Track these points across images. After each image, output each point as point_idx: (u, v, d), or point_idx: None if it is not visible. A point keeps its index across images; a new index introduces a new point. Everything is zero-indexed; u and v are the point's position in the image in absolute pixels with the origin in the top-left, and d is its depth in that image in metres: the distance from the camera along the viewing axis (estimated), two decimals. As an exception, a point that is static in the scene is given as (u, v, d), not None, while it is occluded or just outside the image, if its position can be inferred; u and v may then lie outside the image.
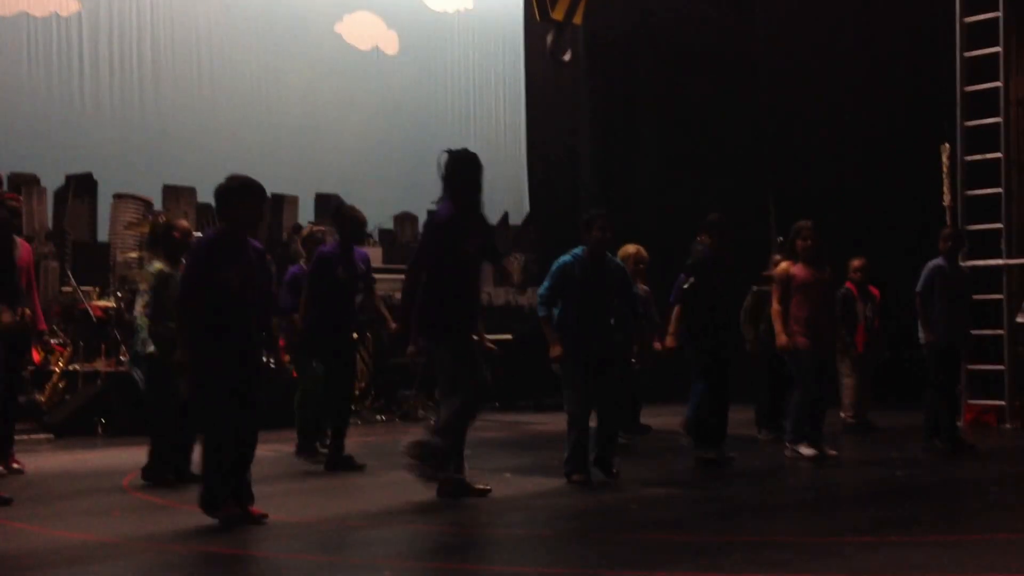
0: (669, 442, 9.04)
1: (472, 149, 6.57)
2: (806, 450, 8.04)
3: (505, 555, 5.17)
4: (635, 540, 5.34)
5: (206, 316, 5.52)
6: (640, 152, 15.13)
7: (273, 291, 6.89)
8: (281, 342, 11.04)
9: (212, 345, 5.50)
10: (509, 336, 12.75)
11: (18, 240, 7.64)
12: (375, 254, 13.91)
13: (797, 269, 8.12)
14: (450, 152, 6.45)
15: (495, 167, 16.11)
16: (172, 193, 13.88)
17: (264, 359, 6.12)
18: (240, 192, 5.64)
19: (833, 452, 8.15)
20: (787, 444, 8.20)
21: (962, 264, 9.04)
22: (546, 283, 7.16)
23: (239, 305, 5.55)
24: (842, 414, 10.06)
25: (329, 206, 8.07)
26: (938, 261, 8.59)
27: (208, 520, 5.49)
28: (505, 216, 16.13)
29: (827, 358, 8.38)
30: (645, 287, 9.09)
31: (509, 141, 16.73)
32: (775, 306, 8.15)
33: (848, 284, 10.03)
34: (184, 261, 6.38)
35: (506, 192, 16.03)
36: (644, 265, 9.00)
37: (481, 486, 6.42)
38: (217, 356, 5.49)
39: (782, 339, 8.05)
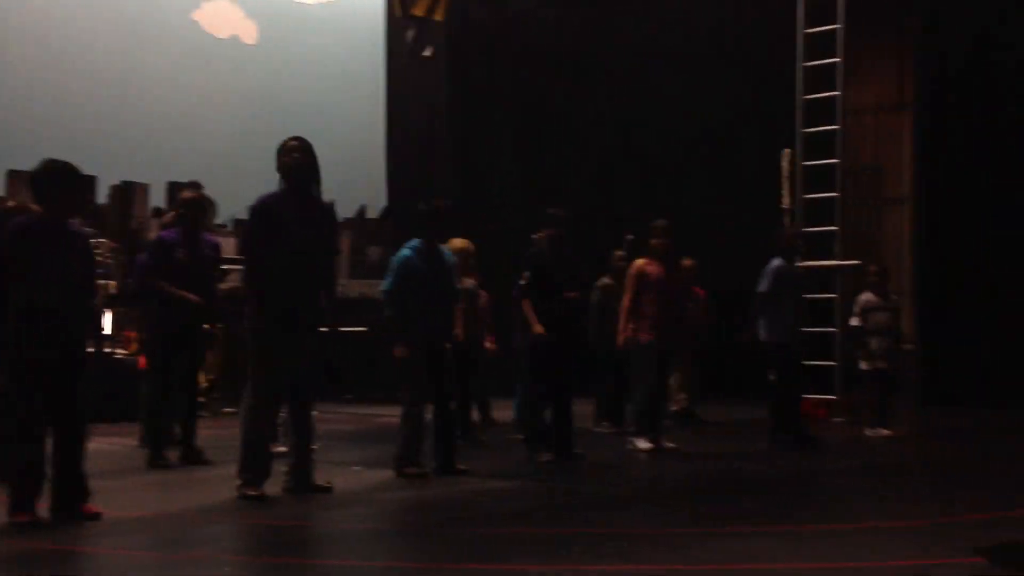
0: (511, 435, 9.16)
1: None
2: (644, 444, 8.29)
3: (347, 549, 5.20)
4: (479, 533, 5.42)
5: (21, 302, 5.39)
6: (498, 147, 15.30)
7: (128, 278, 6.74)
8: (130, 333, 10.91)
9: (28, 333, 5.38)
10: (364, 328, 12.76)
11: None
12: (229, 244, 13.74)
13: (652, 267, 8.35)
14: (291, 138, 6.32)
15: (353, 160, 16.14)
16: (18, 178, 13.44)
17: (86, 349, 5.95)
18: (56, 176, 5.51)
19: (672, 445, 8.41)
20: (628, 438, 8.44)
21: (797, 264, 9.45)
22: (389, 279, 7.17)
23: (56, 292, 5.42)
24: (673, 407, 10.31)
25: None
26: (779, 262, 8.92)
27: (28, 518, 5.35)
28: (362, 209, 16.11)
29: (669, 354, 8.65)
30: (472, 281, 9.11)
31: (368, 135, 16.68)
32: (625, 302, 8.36)
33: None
34: None
35: (364, 185, 15.99)
36: (472, 259, 9.00)
37: (323, 483, 6.41)
38: (32, 344, 5.36)
39: (626, 334, 8.27)
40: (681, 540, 5.19)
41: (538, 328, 7.76)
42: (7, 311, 5.37)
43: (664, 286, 8.35)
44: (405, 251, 7.20)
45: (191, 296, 7.57)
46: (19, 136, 13.23)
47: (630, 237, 9.72)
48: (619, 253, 9.96)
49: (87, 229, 5.75)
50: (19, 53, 13.54)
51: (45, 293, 5.39)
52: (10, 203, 7.39)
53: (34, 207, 7.17)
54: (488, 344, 9.17)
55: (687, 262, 10.34)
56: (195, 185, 9.00)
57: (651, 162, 13.72)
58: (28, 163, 13.48)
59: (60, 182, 5.50)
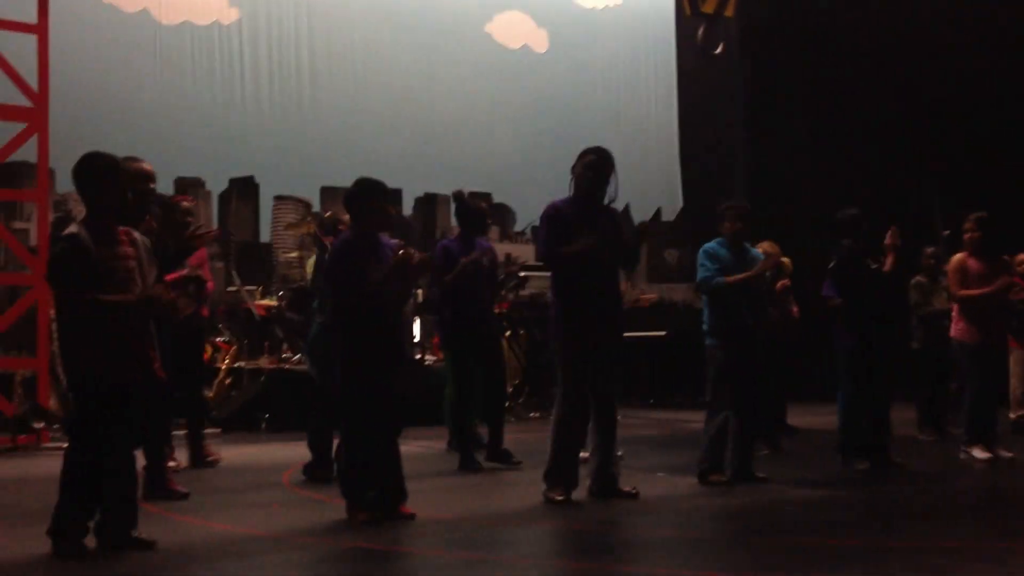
0: (819, 442, 8.79)
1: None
2: (981, 453, 7.74)
3: (653, 556, 5.11)
4: (788, 544, 5.21)
5: (354, 314, 5.65)
6: (793, 143, 14.81)
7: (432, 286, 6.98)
8: (437, 340, 11.29)
9: (359, 343, 5.62)
10: (663, 333, 12.68)
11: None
12: (527, 252, 14.00)
13: (972, 261, 7.86)
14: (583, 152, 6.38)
15: (647, 162, 16.09)
16: (330, 194, 14.25)
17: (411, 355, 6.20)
18: (366, 194, 5.75)
19: (1009, 454, 7.82)
20: (961, 446, 7.90)
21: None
22: (706, 265, 6.95)
23: (381, 303, 5.66)
24: (1011, 414, 9.62)
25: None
26: None
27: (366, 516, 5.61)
28: (658, 212, 16.01)
29: (999, 354, 8.09)
30: (786, 282, 8.88)
31: (661, 136, 16.57)
32: (955, 295, 7.92)
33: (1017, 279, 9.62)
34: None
35: (659, 187, 15.90)
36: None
37: (628, 489, 6.35)
38: (363, 355, 5.61)
39: (953, 333, 7.85)
40: (1006, 554, 4.81)
41: (847, 329, 7.45)
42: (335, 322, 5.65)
43: (987, 281, 7.80)
44: (709, 244, 7.04)
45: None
46: (329, 153, 14.03)
47: (947, 233, 9.17)
48: (929, 250, 9.45)
49: (396, 241, 5.96)
50: (326, 77, 14.33)
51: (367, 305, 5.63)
52: (327, 213, 7.80)
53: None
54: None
55: (1022, 255, 9.61)
56: (479, 195, 9.20)
57: (969, 149, 12.81)
58: (338, 179, 14.35)
59: (370, 198, 5.72)
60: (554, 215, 6.25)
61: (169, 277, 7.08)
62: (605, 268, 6.30)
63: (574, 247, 6.12)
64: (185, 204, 8.02)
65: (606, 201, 6.32)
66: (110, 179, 4.97)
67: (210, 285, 8.03)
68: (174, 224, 7.51)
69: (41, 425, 9.19)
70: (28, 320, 9.87)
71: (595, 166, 6.24)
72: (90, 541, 4.87)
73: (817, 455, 8.25)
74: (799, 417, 9.71)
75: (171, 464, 7.38)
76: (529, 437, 8.87)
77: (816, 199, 13.52)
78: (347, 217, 7.52)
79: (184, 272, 7.06)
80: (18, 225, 12.34)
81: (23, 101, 9.87)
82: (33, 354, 9.68)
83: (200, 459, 7.89)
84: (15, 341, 11.31)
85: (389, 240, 5.89)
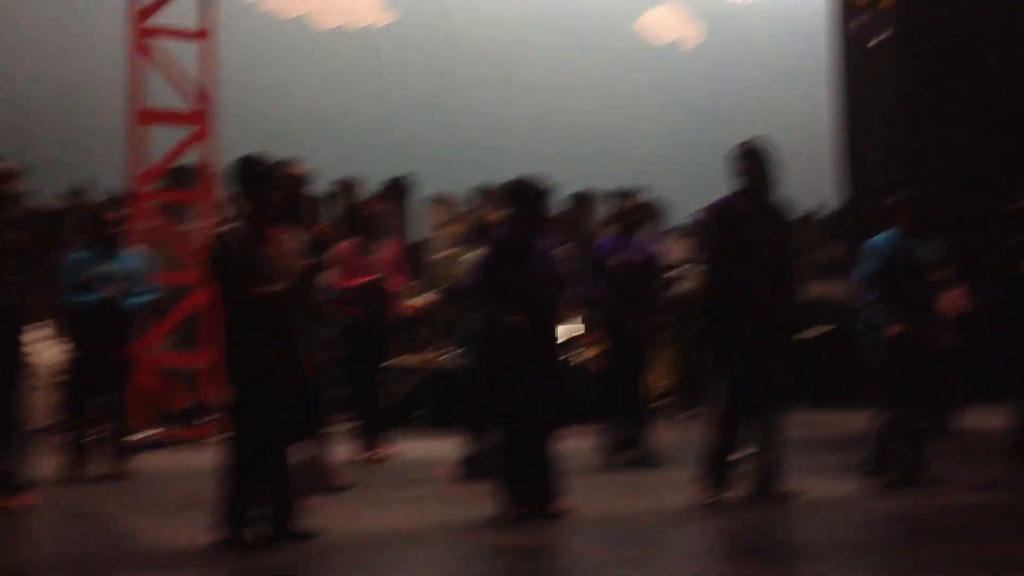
0: (992, 445, 8.41)
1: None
2: None
3: (813, 560, 4.98)
4: (954, 551, 5.00)
5: (500, 311, 5.68)
6: (954, 136, 14.25)
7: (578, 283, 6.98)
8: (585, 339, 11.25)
9: (510, 343, 5.64)
10: (826, 329, 12.36)
11: (384, 242, 8.41)
12: (678, 249, 13.83)
13: None
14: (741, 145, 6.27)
15: (800, 156, 15.65)
16: (482, 193, 14.37)
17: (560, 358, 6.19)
18: (525, 192, 5.76)
19: None
20: None
21: None
22: (870, 260, 6.75)
23: (529, 302, 5.66)
24: None
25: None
26: None
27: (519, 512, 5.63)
28: (817, 207, 15.64)
29: None
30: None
31: (814, 131, 16.17)
32: None
33: None
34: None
35: (813, 183, 15.52)
36: None
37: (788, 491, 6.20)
38: (508, 355, 5.64)
39: None
40: None
41: None
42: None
43: None
44: (879, 238, 6.81)
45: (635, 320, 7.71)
46: (481, 153, 14.13)
47: None
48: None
49: (553, 239, 5.97)
50: (477, 77, 14.46)
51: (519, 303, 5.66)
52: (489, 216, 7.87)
53: (495, 214, 7.69)
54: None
55: None
56: (634, 193, 9.14)
57: None
58: (490, 178, 14.46)
59: (529, 197, 5.73)
60: (722, 209, 6.15)
61: (355, 282, 7.46)
62: (771, 262, 6.14)
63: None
64: (372, 207, 8.45)
65: (768, 195, 6.18)
66: (264, 180, 5.11)
67: (398, 283, 8.31)
68: (361, 226, 7.98)
69: (206, 419, 9.51)
70: (194, 318, 10.26)
71: (755, 158, 6.12)
72: (254, 532, 5.01)
73: (990, 457, 7.90)
74: (970, 418, 9.31)
75: (342, 459, 7.54)
76: (681, 437, 8.75)
77: (976, 194, 13.01)
78: (495, 217, 7.59)
79: (369, 278, 7.67)
80: (185, 227, 12.80)
81: (190, 107, 10.27)
82: (198, 350, 10.06)
83: (368, 457, 8.09)
84: (183, 338, 11.76)
85: (548, 238, 5.89)
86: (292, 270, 5.10)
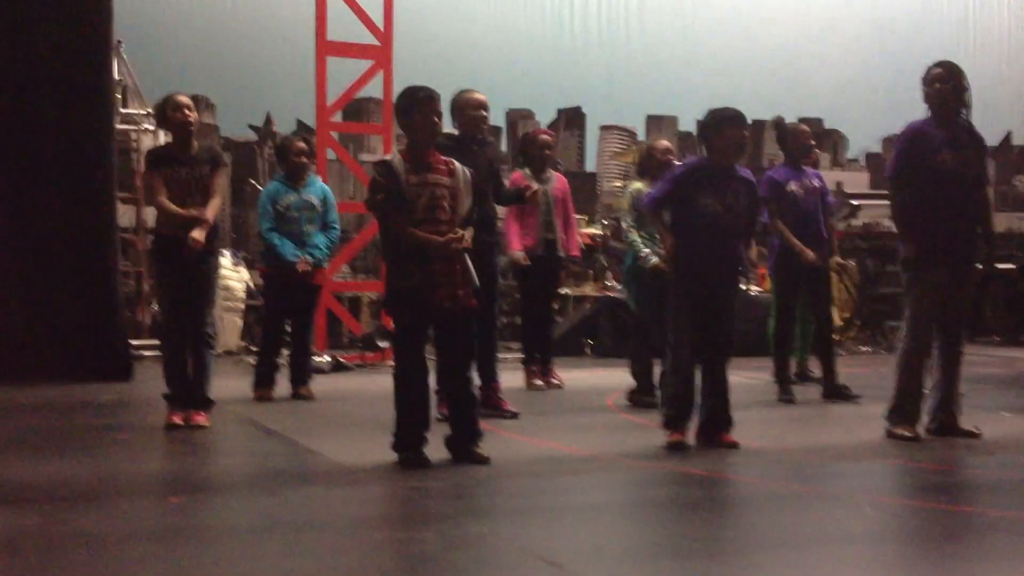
0: None
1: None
2: None
3: (993, 498, 4.82)
4: None
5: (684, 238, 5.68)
6: None
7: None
8: (762, 270, 11.11)
9: (681, 272, 5.66)
10: (1011, 266, 11.82)
11: (554, 173, 8.44)
12: (860, 179, 13.40)
13: None
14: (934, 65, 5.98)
15: (997, 81, 14.92)
16: (655, 123, 14.22)
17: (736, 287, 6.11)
18: (720, 123, 5.66)
19: None
20: None
21: None
22: None
23: (717, 233, 5.63)
24: None
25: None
26: None
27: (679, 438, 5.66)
28: (1008, 135, 14.88)
29: None
30: None
31: (1013, 52, 15.34)
32: None
33: None
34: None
35: (1010, 108, 14.75)
36: None
37: (970, 428, 6.02)
38: (680, 284, 5.65)
39: None
40: None
41: None
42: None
43: None
44: None
45: (801, 248, 7.51)
46: (654, 83, 13.99)
47: None
48: None
49: (746, 171, 5.89)
50: (654, 4, 14.26)
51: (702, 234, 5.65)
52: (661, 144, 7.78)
53: (662, 143, 7.62)
54: None
55: None
56: (807, 121, 8.93)
57: None
58: (663, 108, 14.32)
59: (722, 128, 5.65)
60: (914, 134, 5.91)
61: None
62: (967, 187, 5.90)
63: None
64: (543, 137, 8.46)
65: (962, 119, 5.92)
66: (425, 109, 5.17)
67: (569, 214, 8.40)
68: (532, 158, 8.03)
69: (386, 344, 9.82)
70: (375, 245, 10.56)
71: (948, 80, 5.86)
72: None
73: None
74: None
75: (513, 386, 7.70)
76: (863, 372, 8.58)
77: None
78: (661, 144, 7.53)
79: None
80: (365, 157, 13.13)
81: (371, 40, 10.47)
82: (379, 277, 10.35)
83: (539, 384, 8.24)
84: (363, 266, 12.13)
85: (742, 170, 5.83)
86: (444, 200, 5.16)
